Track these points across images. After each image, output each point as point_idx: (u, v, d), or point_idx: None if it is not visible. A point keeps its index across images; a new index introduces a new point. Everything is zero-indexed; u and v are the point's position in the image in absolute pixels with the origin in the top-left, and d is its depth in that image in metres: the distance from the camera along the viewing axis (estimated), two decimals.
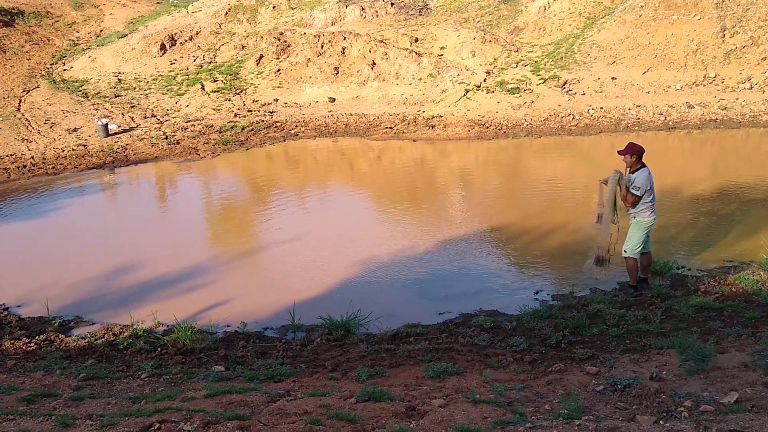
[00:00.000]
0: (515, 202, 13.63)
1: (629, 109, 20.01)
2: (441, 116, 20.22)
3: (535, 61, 23.04)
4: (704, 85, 21.19)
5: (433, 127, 19.59)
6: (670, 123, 19.25)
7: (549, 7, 25.99)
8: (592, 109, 20.10)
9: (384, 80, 22.92)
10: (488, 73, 22.51)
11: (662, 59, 22.03)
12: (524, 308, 8.40)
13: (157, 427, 4.60)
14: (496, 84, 21.81)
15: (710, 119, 19.37)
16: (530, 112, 20.21)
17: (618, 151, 8.51)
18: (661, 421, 4.84)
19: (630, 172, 8.42)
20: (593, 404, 5.50)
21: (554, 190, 14.14)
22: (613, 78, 21.72)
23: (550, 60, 23.01)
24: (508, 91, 21.36)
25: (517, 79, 22.00)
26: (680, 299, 8.32)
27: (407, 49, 23.84)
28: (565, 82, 21.60)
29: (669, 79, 21.48)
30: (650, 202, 8.42)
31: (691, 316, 7.82)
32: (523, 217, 12.33)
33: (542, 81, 21.78)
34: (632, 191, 8.28)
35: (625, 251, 8.62)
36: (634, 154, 8.33)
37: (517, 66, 22.84)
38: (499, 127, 19.31)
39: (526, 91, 21.29)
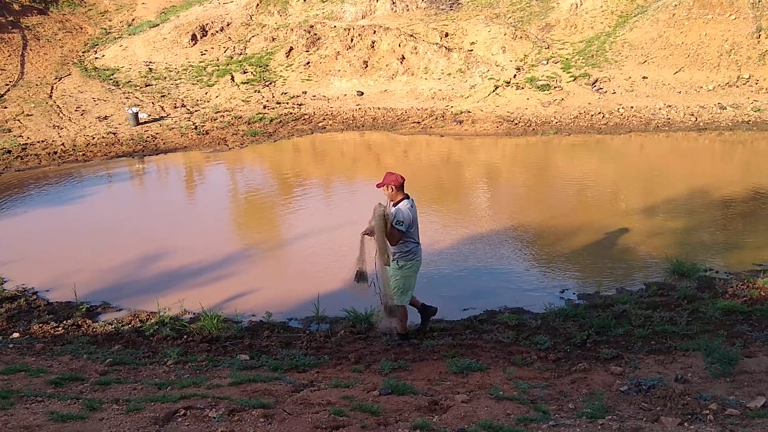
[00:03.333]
0: (542, 201, 13.54)
1: (660, 108, 19.78)
2: (469, 112, 20.14)
3: (566, 59, 22.86)
4: (737, 86, 20.87)
5: (461, 122, 19.53)
6: (701, 124, 19.00)
7: (581, 4, 25.75)
8: (623, 108, 19.90)
9: (413, 75, 22.88)
10: (518, 69, 22.39)
11: (695, 59, 21.73)
12: (549, 307, 8.37)
13: (182, 413, 4.66)
14: (525, 80, 21.68)
15: (743, 121, 19.08)
16: (560, 109, 20.05)
17: (377, 185, 7.52)
18: (685, 423, 4.81)
19: (393, 206, 7.35)
20: (617, 404, 5.47)
21: (582, 188, 14.02)
22: (644, 77, 21.48)
23: (581, 58, 22.81)
24: (538, 87, 21.22)
25: (547, 76, 21.84)
26: (707, 302, 8.24)
27: (437, 43, 23.77)
28: (596, 81, 21.41)
29: (701, 80, 21.19)
30: (413, 240, 7.46)
31: (718, 318, 7.74)
32: (550, 216, 12.26)
33: (572, 79, 21.61)
34: (396, 226, 7.17)
35: (393, 299, 7.50)
36: (391, 184, 7.36)
37: (547, 63, 22.67)
38: (527, 124, 19.20)
39: (556, 89, 21.14)
